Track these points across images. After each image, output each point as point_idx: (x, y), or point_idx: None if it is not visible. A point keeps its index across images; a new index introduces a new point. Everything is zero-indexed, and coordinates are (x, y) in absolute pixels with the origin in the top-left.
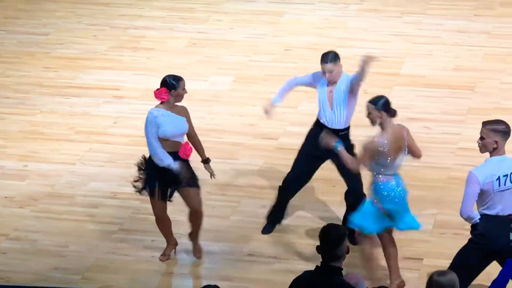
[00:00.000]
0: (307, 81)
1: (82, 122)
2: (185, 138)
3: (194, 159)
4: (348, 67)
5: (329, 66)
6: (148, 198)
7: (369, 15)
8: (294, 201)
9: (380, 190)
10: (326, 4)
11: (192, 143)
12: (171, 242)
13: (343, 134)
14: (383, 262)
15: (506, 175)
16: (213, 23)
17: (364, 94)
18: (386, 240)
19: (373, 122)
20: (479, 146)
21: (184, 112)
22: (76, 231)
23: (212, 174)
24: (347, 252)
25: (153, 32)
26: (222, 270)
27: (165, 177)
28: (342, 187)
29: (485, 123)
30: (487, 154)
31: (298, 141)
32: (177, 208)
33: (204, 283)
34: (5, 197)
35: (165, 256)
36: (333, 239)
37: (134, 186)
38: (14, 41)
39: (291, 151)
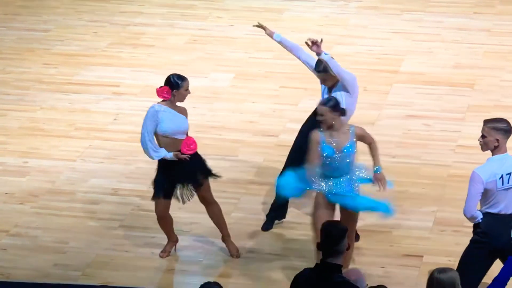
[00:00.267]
0: (311, 64)
1: (82, 119)
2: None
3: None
4: (348, 64)
5: (321, 75)
6: (148, 194)
7: (369, 13)
8: (293, 198)
9: None
10: (327, 2)
11: None
12: (172, 238)
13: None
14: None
15: (509, 174)
16: (213, 20)
17: (365, 92)
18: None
19: (326, 124)
20: (480, 144)
21: (184, 112)
22: (77, 227)
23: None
24: (347, 249)
25: (153, 29)
26: (222, 267)
27: (175, 175)
28: None
29: (486, 121)
30: (488, 152)
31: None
32: (176, 205)
33: (205, 280)
34: (6, 193)
35: (165, 252)
36: (334, 235)
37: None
38: (14, 37)
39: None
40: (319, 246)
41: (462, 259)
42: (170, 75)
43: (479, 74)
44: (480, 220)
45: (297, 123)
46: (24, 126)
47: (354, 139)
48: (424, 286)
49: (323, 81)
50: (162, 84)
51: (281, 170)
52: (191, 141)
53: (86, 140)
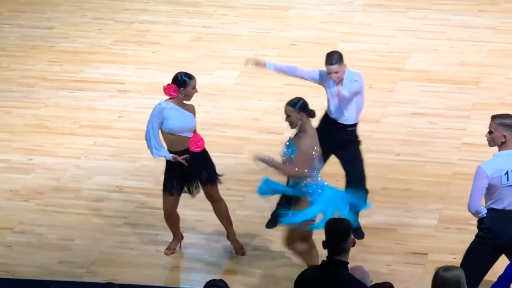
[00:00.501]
0: (313, 77)
1: (87, 116)
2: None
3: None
4: (353, 61)
5: (335, 67)
6: (153, 192)
7: (374, 10)
8: None
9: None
10: None
11: None
12: (177, 236)
13: (350, 130)
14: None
15: None
16: (218, 18)
17: (370, 90)
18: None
19: (293, 125)
20: (487, 140)
21: (192, 110)
22: (81, 224)
23: None
24: (353, 245)
25: (158, 26)
26: (227, 264)
27: (184, 172)
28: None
29: (494, 117)
30: (493, 149)
31: None
32: (181, 202)
33: (209, 277)
34: (10, 190)
35: (170, 250)
36: (341, 232)
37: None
38: (18, 34)
39: None
40: (325, 244)
41: (466, 254)
42: (177, 73)
43: (484, 72)
44: (484, 215)
45: None
46: (28, 124)
47: None
48: (429, 284)
49: (335, 73)
50: (167, 81)
51: None
52: (198, 139)
53: (91, 137)
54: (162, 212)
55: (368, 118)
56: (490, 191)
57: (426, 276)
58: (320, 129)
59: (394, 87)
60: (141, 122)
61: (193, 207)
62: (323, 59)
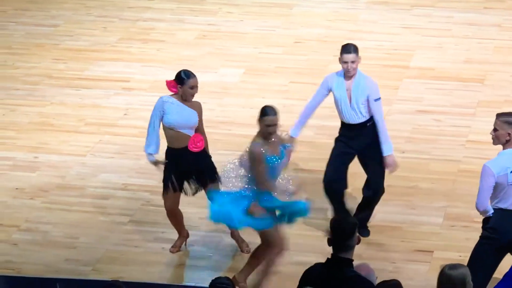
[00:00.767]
0: (322, 94)
1: (92, 114)
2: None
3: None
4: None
5: (352, 56)
6: (158, 190)
7: (379, 8)
8: (302, 193)
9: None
10: None
11: None
12: (183, 234)
13: (370, 125)
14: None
15: None
16: (223, 15)
17: None
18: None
19: (273, 134)
20: (492, 137)
21: (197, 107)
22: (87, 222)
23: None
24: (358, 243)
25: (162, 24)
26: (232, 262)
27: (184, 171)
28: (352, 179)
29: (499, 115)
30: (499, 146)
31: (308, 133)
32: (185, 200)
33: (215, 275)
34: (16, 188)
35: (176, 247)
36: (346, 230)
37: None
38: (23, 32)
39: (301, 143)
40: (330, 242)
41: (472, 255)
42: (181, 70)
43: (489, 69)
44: (491, 215)
45: None
46: (33, 121)
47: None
48: (434, 282)
49: (352, 63)
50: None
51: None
52: (199, 139)
53: (96, 135)
54: None
55: None
56: (496, 189)
57: (432, 273)
58: (341, 136)
59: (399, 84)
60: (146, 119)
61: (197, 205)
62: (327, 57)
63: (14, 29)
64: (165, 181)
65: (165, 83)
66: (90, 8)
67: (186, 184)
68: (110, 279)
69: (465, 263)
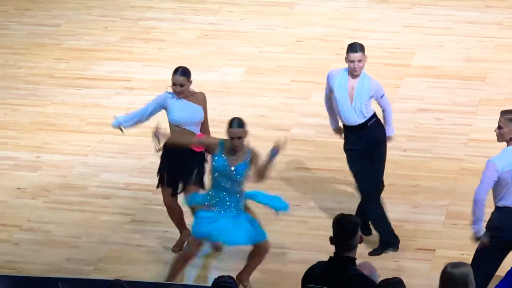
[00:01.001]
0: (330, 88)
1: (94, 113)
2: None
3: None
4: None
5: (358, 55)
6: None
7: (380, 6)
8: (305, 192)
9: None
10: None
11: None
12: (184, 232)
13: (371, 124)
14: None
15: None
16: (224, 14)
17: None
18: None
19: (237, 147)
20: (496, 135)
21: (201, 99)
22: (89, 222)
23: None
24: (360, 242)
25: (164, 24)
26: (234, 261)
27: (178, 167)
28: (352, 178)
29: (503, 113)
30: (501, 144)
31: (309, 132)
32: None
33: (217, 273)
34: (18, 188)
35: (178, 247)
36: (349, 229)
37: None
38: (25, 32)
39: (303, 142)
40: (332, 241)
41: (476, 253)
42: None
43: (490, 67)
44: (481, 208)
45: (308, 117)
46: (35, 121)
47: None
48: (437, 280)
49: (358, 61)
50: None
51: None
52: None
53: (97, 134)
54: None
55: None
56: (499, 186)
57: (434, 272)
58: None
59: (400, 83)
60: None
61: None
62: (329, 56)
63: (16, 29)
64: (161, 177)
65: (166, 83)
66: (92, 8)
67: (180, 181)
68: (112, 278)
69: (467, 261)
